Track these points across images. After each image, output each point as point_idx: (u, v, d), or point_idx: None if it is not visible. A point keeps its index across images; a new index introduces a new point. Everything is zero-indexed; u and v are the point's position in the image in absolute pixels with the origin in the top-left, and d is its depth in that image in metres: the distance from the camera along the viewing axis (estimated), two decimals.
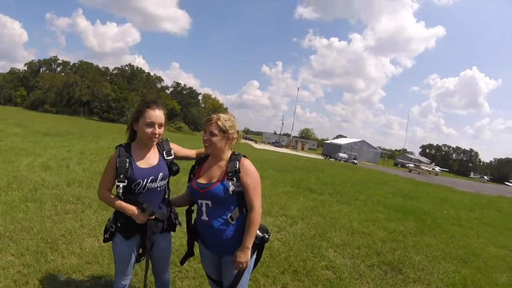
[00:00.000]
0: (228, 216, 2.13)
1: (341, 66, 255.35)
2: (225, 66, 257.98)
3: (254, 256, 2.27)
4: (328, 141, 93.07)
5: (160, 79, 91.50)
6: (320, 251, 4.69)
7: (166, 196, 2.40)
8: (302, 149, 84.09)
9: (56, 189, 5.82)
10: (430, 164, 65.51)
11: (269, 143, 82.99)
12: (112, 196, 2.21)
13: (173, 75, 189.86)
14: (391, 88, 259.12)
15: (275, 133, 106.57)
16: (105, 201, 2.24)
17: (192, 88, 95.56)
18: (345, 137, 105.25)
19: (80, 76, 75.13)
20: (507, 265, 5.24)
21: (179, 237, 4.37)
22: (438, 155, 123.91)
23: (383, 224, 6.91)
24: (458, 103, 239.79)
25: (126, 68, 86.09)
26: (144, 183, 2.19)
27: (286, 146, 76.34)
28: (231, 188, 2.08)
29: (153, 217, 2.23)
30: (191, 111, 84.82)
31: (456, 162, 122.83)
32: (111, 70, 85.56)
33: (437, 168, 57.14)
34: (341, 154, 56.61)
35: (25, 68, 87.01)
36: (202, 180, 2.21)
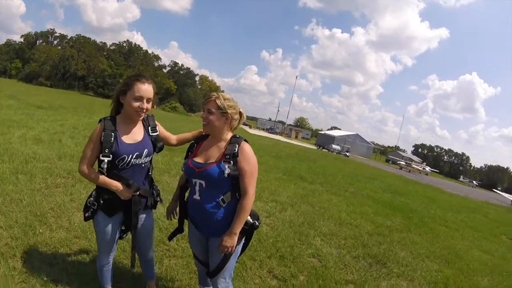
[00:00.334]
0: (220, 199, 2.10)
1: (341, 58, 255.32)
2: (225, 49, 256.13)
3: (242, 241, 2.25)
4: (322, 132, 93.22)
5: (157, 58, 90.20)
6: (307, 239, 4.76)
7: (150, 173, 2.37)
8: (296, 137, 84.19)
9: (47, 163, 5.77)
10: (421, 163, 66.26)
11: (263, 129, 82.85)
12: (95, 172, 2.14)
13: (171, 54, 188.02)
14: (390, 85, 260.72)
15: (270, 119, 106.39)
16: (87, 177, 2.14)
17: (189, 68, 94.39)
18: (339, 129, 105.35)
19: (77, 50, 73.85)
20: (489, 270, 5.32)
21: None
22: (430, 155, 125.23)
23: (371, 217, 7.01)
24: (455, 106, 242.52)
25: (124, 44, 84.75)
26: (129, 159, 2.13)
27: (280, 134, 76.27)
28: (227, 171, 2.03)
29: (138, 193, 2.20)
30: (187, 91, 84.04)
31: (447, 164, 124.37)
32: (108, 46, 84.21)
33: (427, 168, 57.84)
34: (334, 146, 56.89)
35: (22, 40, 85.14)
36: (198, 159, 2.17)
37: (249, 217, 2.17)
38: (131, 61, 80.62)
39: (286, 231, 4.91)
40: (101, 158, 2.08)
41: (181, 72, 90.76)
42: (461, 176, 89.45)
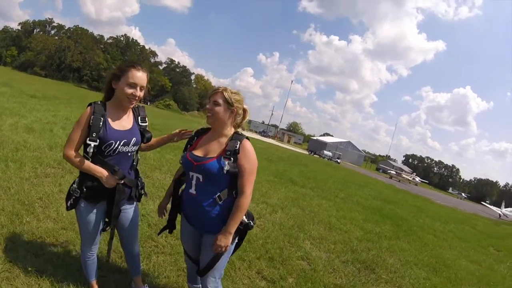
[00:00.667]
0: (217, 196, 2.05)
1: (337, 65, 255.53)
2: (222, 49, 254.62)
3: (236, 241, 2.21)
4: (315, 138, 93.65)
5: (154, 54, 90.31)
6: (297, 242, 4.76)
7: (135, 163, 2.33)
8: (288, 142, 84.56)
9: (37, 152, 5.70)
10: (411, 173, 66.69)
11: (256, 132, 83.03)
12: (80, 156, 2.07)
13: (168, 51, 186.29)
14: (384, 94, 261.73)
15: (263, 122, 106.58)
16: (72, 161, 2.06)
17: (185, 67, 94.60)
18: (332, 135, 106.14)
19: (74, 41, 73.48)
20: (477, 279, 5.38)
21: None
22: (420, 166, 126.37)
23: (360, 223, 7.04)
24: (447, 118, 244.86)
25: (121, 38, 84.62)
26: (116, 145, 2.08)
27: (273, 137, 76.54)
28: (226, 167, 1.99)
29: (122, 181, 2.15)
30: (182, 90, 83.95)
31: (436, 175, 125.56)
32: (105, 39, 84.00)
33: (417, 179, 58.36)
34: (325, 152, 57.24)
35: (19, 27, 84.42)
36: (198, 153, 2.12)
37: (244, 217, 2.12)
38: (127, 56, 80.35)
39: (276, 233, 4.89)
40: (88, 142, 2.01)
41: (177, 70, 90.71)
42: (450, 188, 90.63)
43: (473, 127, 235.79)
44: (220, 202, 2.07)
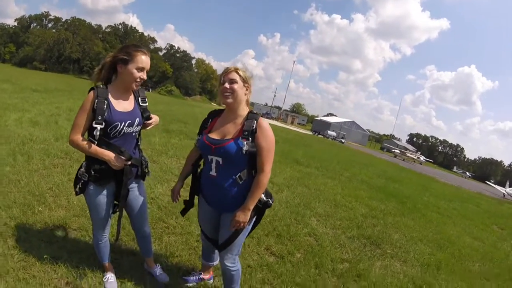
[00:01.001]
0: (237, 176, 2.07)
1: (339, 45, 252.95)
2: (222, 32, 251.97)
3: (254, 219, 2.25)
4: (318, 118, 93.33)
5: (153, 40, 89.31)
6: (303, 219, 4.86)
7: (139, 143, 2.39)
8: (292, 123, 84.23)
9: (44, 144, 5.75)
10: (415, 152, 66.55)
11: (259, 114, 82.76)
12: (86, 141, 2.10)
13: (167, 37, 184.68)
14: (387, 73, 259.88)
15: (266, 104, 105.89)
16: (78, 146, 2.09)
17: (186, 51, 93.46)
18: (336, 116, 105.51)
19: (72, 33, 72.87)
20: (480, 256, 5.44)
21: (167, 195, 4.45)
22: (424, 145, 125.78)
23: (365, 201, 7.14)
24: (451, 98, 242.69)
25: (120, 26, 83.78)
26: (121, 127, 2.13)
27: (276, 119, 76.32)
28: (245, 147, 2.00)
29: (130, 162, 2.18)
30: (183, 75, 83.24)
31: (441, 154, 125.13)
32: (103, 28, 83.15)
33: (422, 158, 58.14)
34: (329, 132, 57.26)
35: (15, 23, 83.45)
36: (214, 136, 2.12)
37: (262, 195, 2.15)
38: (126, 44, 79.59)
39: (283, 211, 5.00)
40: (94, 125, 2.05)
41: (177, 55, 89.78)
42: (455, 167, 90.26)
43: (477, 106, 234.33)
44: (240, 182, 2.09)
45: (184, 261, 3.05)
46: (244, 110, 2.14)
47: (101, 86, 2.14)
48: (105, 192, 2.23)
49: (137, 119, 2.23)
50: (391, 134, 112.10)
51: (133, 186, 2.37)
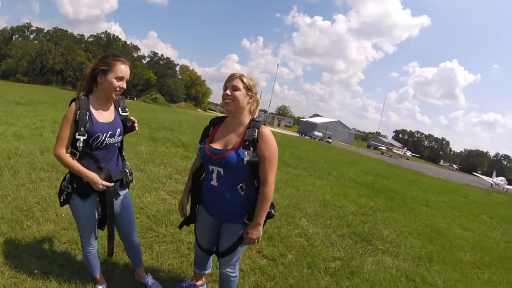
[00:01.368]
0: (239, 186, 2.02)
1: (322, 46, 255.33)
2: (205, 38, 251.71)
3: None
4: (305, 119, 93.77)
5: (136, 48, 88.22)
6: (294, 220, 4.90)
7: (123, 152, 2.39)
8: (278, 125, 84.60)
9: (29, 157, 5.66)
10: (402, 148, 67.37)
11: None
12: (71, 158, 2.08)
13: (150, 44, 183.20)
14: (371, 72, 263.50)
15: None
16: (63, 161, 2.07)
17: (169, 58, 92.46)
18: (321, 116, 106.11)
19: (54, 43, 71.66)
20: (471, 246, 5.56)
21: (156, 204, 4.44)
22: (410, 140, 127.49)
23: (354, 199, 7.23)
24: (435, 93, 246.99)
25: (102, 36, 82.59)
26: (103, 138, 2.12)
27: (263, 122, 76.50)
28: (246, 158, 1.94)
29: (113, 184, 2.17)
30: (167, 82, 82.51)
31: (427, 149, 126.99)
32: (86, 38, 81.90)
33: (408, 153, 58.97)
34: (316, 133, 57.59)
35: None
36: (216, 145, 2.08)
37: None
38: (109, 52, 78.62)
39: None
40: (77, 137, 2.04)
41: (161, 63, 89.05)
42: (442, 160, 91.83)
43: (461, 99, 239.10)
44: (242, 193, 2.04)
45: (176, 269, 3.05)
46: (246, 118, 2.09)
47: (83, 97, 2.13)
48: (89, 204, 2.22)
49: (118, 129, 2.23)
50: (377, 132, 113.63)
51: (118, 194, 2.35)
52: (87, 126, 2.05)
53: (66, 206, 2.22)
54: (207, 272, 2.73)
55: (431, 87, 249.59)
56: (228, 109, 2.05)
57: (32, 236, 3.14)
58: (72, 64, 70.57)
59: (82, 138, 2.05)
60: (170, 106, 66.02)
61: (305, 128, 70.60)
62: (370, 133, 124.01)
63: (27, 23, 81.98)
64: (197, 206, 2.36)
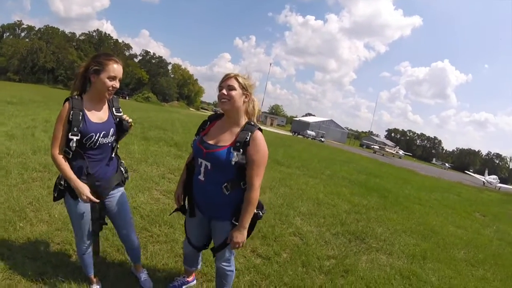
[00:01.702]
0: (224, 185, 2.05)
1: (315, 45, 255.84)
2: (197, 37, 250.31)
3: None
4: (297, 119, 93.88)
5: (128, 47, 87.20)
6: (287, 219, 4.92)
7: (116, 152, 2.37)
8: (271, 124, 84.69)
9: (21, 157, 5.60)
10: (394, 147, 67.81)
11: None
12: (64, 161, 2.09)
13: (142, 43, 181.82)
14: (363, 71, 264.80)
15: None
16: (56, 163, 2.10)
17: (161, 57, 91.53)
18: (314, 115, 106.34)
19: (45, 42, 70.74)
20: (464, 243, 5.64)
21: (149, 203, 4.43)
22: (402, 139, 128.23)
23: (348, 197, 7.27)
24: (426, 92, 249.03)
25: (94, 34, 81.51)
26: (96, 138, 2.13)
27: (257, 127, 76.46)
28: (235, 158, 1.97)
29: (98, 201, 2.18)
30: (159, 81, 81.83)
31: (419, 147, 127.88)
32: (77, 36, 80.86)
33: (401, 152, 59.34)
34: (309, 132, 57.81)
35: None
36: (209, 140, 2.11)
37: None
38: (101, 51, 77.77)
39: (267, 212, 5.00)
40: (70, 137, 2.05)
41: (153, 61, 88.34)
42: (434, 159, 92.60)
43: (452, 99, 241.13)
44: (227, 192, 2.06)
45: (170, 269, 3.05)
46: (242, 119, 2.11)
47: (76, 97, 2.13)
48: (82, 203, 2.20)
49: (112, 129, 2.23)
50: (369, 131, 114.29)
51: (114, 193, 2.36)
52: (80, 126, 2.06)
53: (60, 206, 2.22)
54: (196, 268, 2.78)
55: (423, 86, 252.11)
56: (224, 108, 2.06)
57: (26, 237, 3.12)
58: (63, 62, 69.70)
59: (75, 138, 2.05)
60: (162, 105, 65.72)
61: (298, 127, 70.73)
62: (362, 132, 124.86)
63: (18, 20, 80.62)
64: (186, 198, 2.40)
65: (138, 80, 76.35)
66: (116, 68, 2.10)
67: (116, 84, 2.13)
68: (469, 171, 47.33)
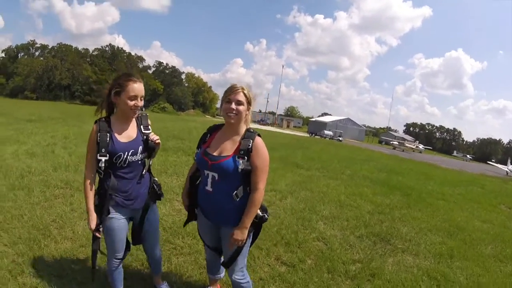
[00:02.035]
0: (234, 193, 2.12)
1: (325, 44, 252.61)
2: (208, 44, 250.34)
3: (253, 231, 2.29)
4: (313, 119, 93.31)
5: (141, 59, 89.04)
6: (310, 224, 4.84)
7: (146, 170, 2.42)
8: (288, 127, 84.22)
9: (43, 175, 5.72)
10: (414, 142, 66.71)
11: (254, 121, 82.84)
12: (89, 191, 2.22)
13: (154, 54, 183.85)
14: (376, 66, 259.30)
15: (260, 111, 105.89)
16: (83, 188, 2.23)
17: (174, 67, 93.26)
18: (330, 114, 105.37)
19: (60, 59, 72.76)
20: (491, 238, 5.44)
21: (171, 215, 4.43)
22: (421, 133, 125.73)
23: (370, 197, 7.11)
24: (442, 83, 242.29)
25: (107, 48, 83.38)
26: (125, 156, 2.20)
27: (272, 124, 76.53)
28: (241, 166, 2.06)
29: (99, 237, 2.27)
30: (174, 90, 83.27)
31: (439, 140, 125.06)
32: (91, 52, 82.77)
33: (421, 146, 58.32)
34: (326, 132, 57.24)
35: (3, 55, 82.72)
36: (212, 151, 2.18)
37: (258, 210, 2.20)
38: (115, 65, 79.38)
39: (289, 218, 4.97)
40: (99, 157, 2.15)
41: (167, 72, 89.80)
42: (455, 151, 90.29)
43: (469, 88, 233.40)
44: (237, 199, 2.14)
45: (195, 281, 3.03)
46: (242, 128, 2.19)
47: (103, 118, 2.23)
48: (119, 217, 2.29)
49: (140, 147, 2.29)
50: (387, 127, 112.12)
51: (148, 211, 2.42)
52: (108, 146, 2.16)
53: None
54: (220, 276, 2.78)
55: (438, 77, 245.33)
56: (231, 122, 2.14)
57: (50, 254, 3.16)
58: (79, 78, 71.49)
59: (103, 158, 2.16)
60: (178, 114, 66.41)
61: (315, 127, 70.13)
62: (380, 128, 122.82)
63: (31, 40, 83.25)
64: (196, 209, 2.45)
65: (153, 91, 77.55)
66: (135, 87, 2.17)
67: (138, 103, 2.19)
68: (491, 161, 46.00)
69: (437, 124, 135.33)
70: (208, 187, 2.18)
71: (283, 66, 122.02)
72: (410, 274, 3.65)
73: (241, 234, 2.15)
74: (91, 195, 2.22)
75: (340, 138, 53.31)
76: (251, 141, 2.10)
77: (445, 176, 15.08)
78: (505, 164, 33.01)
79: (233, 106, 2.09)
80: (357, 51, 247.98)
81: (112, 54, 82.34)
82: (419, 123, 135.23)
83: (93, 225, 2.21)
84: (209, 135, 2.32)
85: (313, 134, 56.81)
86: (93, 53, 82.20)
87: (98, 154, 2.15)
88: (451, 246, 4.73)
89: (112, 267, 2.43)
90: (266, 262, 3.47)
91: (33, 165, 6.28)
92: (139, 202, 2.34)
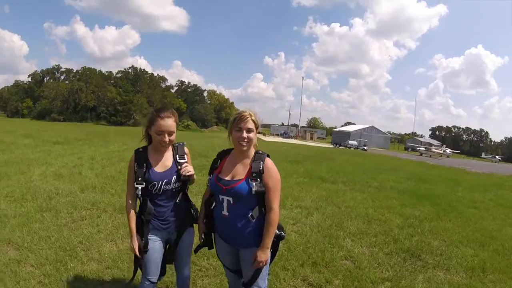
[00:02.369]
0: (249, 215, 2.17)
1: (344, 52, 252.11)
2: (228, 61, 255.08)
3: (271, 250, 2.28)
4: (337, 129, 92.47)
5: (163, 79, 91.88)
6: (337, 241, 4.71)
7: (182, 197, 2.46)
8: (311, 138, 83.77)
9: (70, 196, 5.86)
10: (441, 146, 64.76)
11: (277, 135, 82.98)
12: (131, 215, 2.35)
13: (176, 73, 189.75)
14: (396, 71, 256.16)
15: (282, 124, 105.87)
16: (126, 212, 2.38)
17: (196, 85, 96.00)
18: (354, 123, 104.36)
19: (84, 82, 75.95)
20: None
21: (196, 236, 4.40)
22: (448, 136, 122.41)
23: (398, 210, 6.90)
24: (465, 82, 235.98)
25: (129, 70, 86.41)
26: (159, 185, 2.30)
27: (295, 137, 76.36)
28: (255, 188, 2.11)
29: (140, 258, 2.36)
30: (197, 108, 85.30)
31: (467, 143, 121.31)
32: (114, 74, 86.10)
33: (448, 150, 56.49)
34: (350, 142, 56.62)
35: (29, 79, 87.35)
36: (224, 176, 2.23)
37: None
38: (138, 86, 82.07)
39: (315, 236, 4.87)
40: (136, 185, 2.29)
41: (189, 90, 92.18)
42: (483, 153, 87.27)
43: (493, 85, 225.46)
44: (253, 221, 2.19)
45: None
46: (251, 151, 2.26)
47: (140, 149, 2.38)
48: (155, 238, 2.38)
49: (174, 176, 2.36)
50: (412, 132, 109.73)
51: (184, 234, 2.49)
52: (145, 175, 2.29)
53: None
54: None
55: (461, 77, 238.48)
56: (243, 150, 2.21)
57: (77, 276, 3.20)
58: (104, 100, 74.20)
59: (140, 186, 2.30)
60: (202, 131, 67.56)
61: (339, 138, 69.33)
62: (405, 134, 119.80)
63: (56, 65, 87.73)
64: (213, 234, 2.49)
65: (176, 110, 77.85)
66: (162, 124, 2.24)
67: (164, 138, 2.27)
68: None
69: (463, 126, 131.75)
70: (224, 212, 2.22)
71: (303, 78, 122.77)
72: None
73: (264, 255, 2.17)
74: (132, 218, 2.35)
75: (365, 148, 52.48)
76: (262, 162, 2.17)
77: (474, 181, 14.59)
78: None
79: (244, 134, 2.16)
80: (376, 56, 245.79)
81: (135, 75, 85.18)
82: (444, 126, 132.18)
83: (135, 250, 2.32)
84: (219, 160, 2.37)
85: (337, 145, 56.15)
86: (117, 75, 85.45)
87: (135, 183, 2.29)
88: (483, 258, 4.51)
89: (144, 287, 2.45)
90: (292, 284, 3.39)
91: (60, 187, 6.46)
92: (175, 226, 2.42)
